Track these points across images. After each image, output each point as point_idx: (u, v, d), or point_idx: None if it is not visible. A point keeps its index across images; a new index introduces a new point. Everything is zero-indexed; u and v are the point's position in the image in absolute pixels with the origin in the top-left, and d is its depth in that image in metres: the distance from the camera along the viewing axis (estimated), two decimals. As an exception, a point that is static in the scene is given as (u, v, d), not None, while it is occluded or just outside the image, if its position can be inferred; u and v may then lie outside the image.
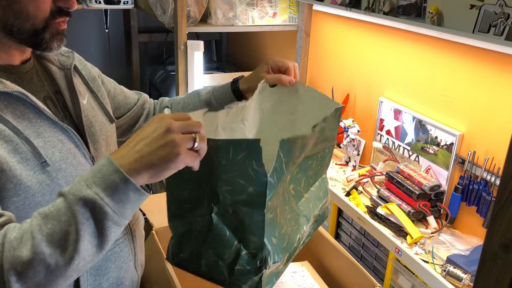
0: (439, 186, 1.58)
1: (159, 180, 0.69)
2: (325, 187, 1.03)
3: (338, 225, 1.88)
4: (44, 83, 0.90)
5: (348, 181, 1.80)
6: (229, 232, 0.77)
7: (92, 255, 0.67)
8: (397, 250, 1.45)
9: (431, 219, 1.53)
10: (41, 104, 0.82)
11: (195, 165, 0.70)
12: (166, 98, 1.24)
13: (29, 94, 0.80)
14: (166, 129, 0.68)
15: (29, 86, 0.85)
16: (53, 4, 0.81)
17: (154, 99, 1.27)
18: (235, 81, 1.11)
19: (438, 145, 1.63)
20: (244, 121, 0.90)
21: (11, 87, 0.79)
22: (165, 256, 0.88)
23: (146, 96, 1.24)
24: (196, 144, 0.69)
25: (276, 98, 0.99)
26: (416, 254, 1.41)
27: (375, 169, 1.89)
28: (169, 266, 1.03)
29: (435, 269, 1.34)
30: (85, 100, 0.95)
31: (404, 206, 1.57)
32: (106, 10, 3.06)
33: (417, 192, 1.54)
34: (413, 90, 1.77)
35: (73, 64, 0.95)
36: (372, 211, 1.62)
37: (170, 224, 0.83)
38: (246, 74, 2.59)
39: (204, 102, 1.12)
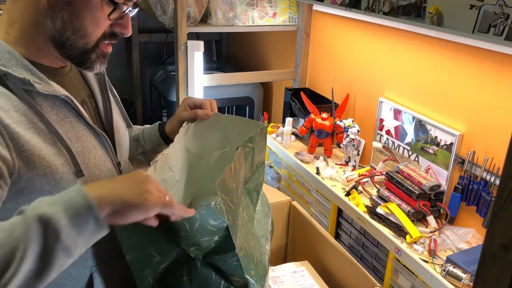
0: (438, 186, 1.58)
1: (120, 223, 0.69)
2: (266, 201, 1.07)
3: (338, 225, 1.88)
4: (80, 87, 0.91)
5: (348, 181, 1.80)
6: (214, 273, 0.80)
7: (29, 281, 0.62)
8: (397, 250, 1.45)
9: (430, 218, 1.54)
10: (82, 110, 0.84)
11: (176, 212, 0.72)
12: None
13: (73, 99, 0.82)
14: (145, 179, 0.71)
15: (69, 89, 0.86)
16: (108, 27, 0.83)
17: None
18: (163, 124, 1.13)
19: (437, 145, 1.63)
20: (171, 168, 0.92)
21: (58, 90, 0.80)
22: None
23: None
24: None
25: (200, 135, 1.02)
26: (416, 253, 1.41)
27: (375, 169, 1.89)
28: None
29: (434, 268, 1.35)
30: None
31: (404, 206, 1.57)
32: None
33: (417, 192, 1.55)
34: (413, 90, 1.77)
35: (104, 69, 0.97)
36: (372, 211, 1.62)
37: (140, 274, 0.81)
38: (245, 73, 2.59)
39: (134, 138, 1.14)
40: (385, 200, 1.64)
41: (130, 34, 0.86)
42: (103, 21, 0.80)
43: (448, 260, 1.36)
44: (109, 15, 0.80)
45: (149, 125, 1.15)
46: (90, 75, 0.95)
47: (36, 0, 0.77)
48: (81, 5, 0.77)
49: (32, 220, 0.62)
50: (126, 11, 0.83)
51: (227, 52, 3.64)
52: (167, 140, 1.09)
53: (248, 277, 0.80)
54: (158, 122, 1.13)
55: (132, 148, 1.12)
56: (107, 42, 0.84)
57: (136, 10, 0.85)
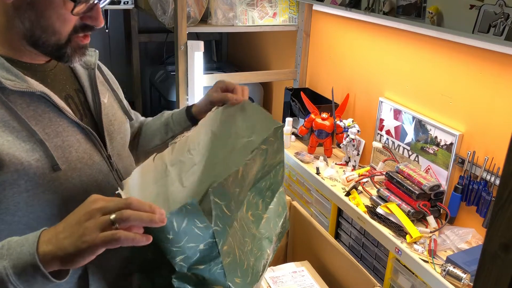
0: (438, 186, 1.58)
1: (75, 267, 0.68)
2: (283, 201, 1.03)
3: (338, 225, 1.88)
4: (67, 81, 0.92)
5: (348, 181, 1.80)
6: None
7: None
8: (397, 250, 1.45)
9: (430, 218, 1.54)
10: (62, 104, 0.84)
11: (126, 243, 0.66)
12: (142, 118, 1.25)
13: (51, 94, 0.82)
14: (85, 213, 0.68)
15: (52, 84, 0.87)
16: (79, 20, 0.82)
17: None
18: (190, 106, 1.13)
19: (437, 145, 1.63)
20: (191, 151, 0.91)
21: (35, 86, 0.80)
22: None
23: (139, 116, 1.25)
24: (116, 226, 0.66)
25: (227, 120, 1.00)
26: (416, 253, 1.41)
27: (375, 169, 1.89)
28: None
29: (434, 268, 1.35)
30: (106, 98, 0.97)
31: (404, 206, 1.57)
32: (106, 10, 3.06)
33: (417, 192, 1.55)
34: (413, 90, 1.77)
35: (96, 63, 0.97)
36: (372, 211, 1.62)
37: (138, 276, 0.82)
38: (245, 73, 2.60)
39: (163, 123, 1.14)
40: (385, 200, 1.64)
41: (102, 25, 0.85)
42: (69, 17, 0.80)
43: (448, 260, 1.36)
44: (72, 10, 0.79)
45: (178, 109, 1.15)
46: (80, 69, 0.95)
47: (2, 2, 0.77)
48: (44, 5, 0.78)
49: None
50: (94, 2, 0.82)
51: (227, 52, 3.64)
52: (195, 121, 1.08)
53: (230, 284, 0.78)
54: (187, 105, 1.12)
55: (162, 133, 1.13)
56: (81, 34, 0.84)
57: (108, 0, 0.84)
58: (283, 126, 0.98)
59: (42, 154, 0.78)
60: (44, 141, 0.79)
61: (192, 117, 1.09)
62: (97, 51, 1.00)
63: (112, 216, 0.66)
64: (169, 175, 0.85)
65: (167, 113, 1.17)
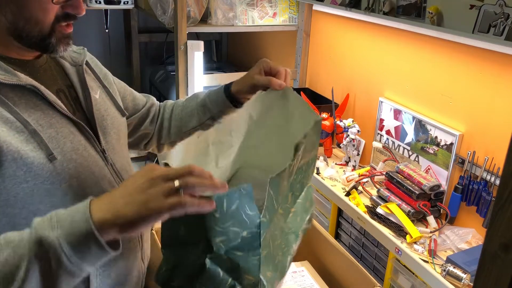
0: (439, 186, 1.58)
1: (132, 234, 0.66)
2: (311, 196, 1.01)
3: (338, 225, 1.88)
4: (57, 77, 0.92)
5: (348, 181, 1.80)
6: (222, 272, 0.77)
7: None
8: (397, 250, 1.45)
9: (431, 219, 1.54)
10: (53, 97, 0.84)
11: (191, 209, 0.66)
12: (170, 101, 1.25)
13: (41, 87, 0.82)
14: (146, 181, 0.66)
15: (42, 79, 0.87)
16: (60, 9, 0.83)
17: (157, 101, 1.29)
18: (229, 84, 1.11)
19: (438, 145, 1.63)
20: (232, 133, 0.90)
21: (25, 80, 0.81)
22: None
23: (154, 99, 1.26)
24: (181, 192, 0.65)
25: (267, 104, 0.98)
26: (416, 253, 1.41)
27: (375, 169, 1.89)
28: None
29: (434, 268, 1.35)
30: (97, 94, 0.97)
31: (404, 206, 1.57)
32: (106, 10, 3.06)
33: (417, 192, 1.55)
34: (413, 90, 1.77)
35: (84, 60, 0.98)
36: (372, 211, 1.62)
37: (162, 251, 0.81)
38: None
39: (200, 104, 1.13)
40: (385, 200, 1.64)
41: (84, 13, 0.85)
42: (50, 6, 0.80)
43: (448, 260, 1.36)
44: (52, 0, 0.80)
45: (214, 89, 1.13)
46: (68, 67, 0.95)
47: None
48: None
49: (33, 243, 0.63)
50: None
51: (227, 52, 3.64)
52: (233, 100, 1.07)
53: (262, 278, 0.77)
54: (224, 84, 1.10)
55: (200, 114, 1.12)
56: (64, 24, 0.84)
57: None
58: (321, 119, 0.96)
59: (36, 145, 0.79)
60: (38, 132, 0.79)
61: (231, 96, 1.07)
62: (85, 49, 1.01)
63: (177, 182, 0.65)
64: (208, 155, 0.85)
65: (201, 94, 1.15)
